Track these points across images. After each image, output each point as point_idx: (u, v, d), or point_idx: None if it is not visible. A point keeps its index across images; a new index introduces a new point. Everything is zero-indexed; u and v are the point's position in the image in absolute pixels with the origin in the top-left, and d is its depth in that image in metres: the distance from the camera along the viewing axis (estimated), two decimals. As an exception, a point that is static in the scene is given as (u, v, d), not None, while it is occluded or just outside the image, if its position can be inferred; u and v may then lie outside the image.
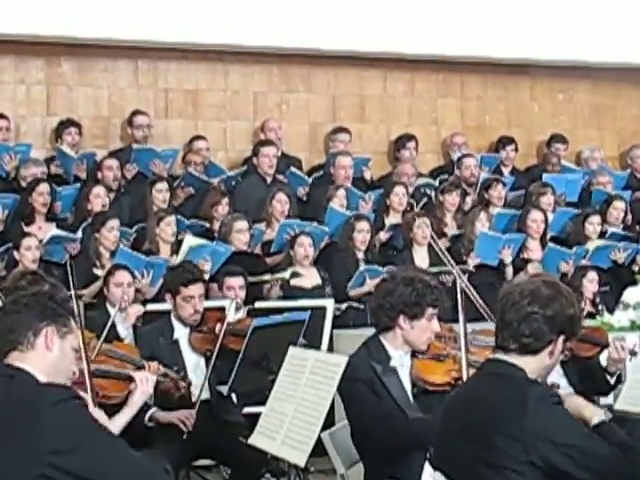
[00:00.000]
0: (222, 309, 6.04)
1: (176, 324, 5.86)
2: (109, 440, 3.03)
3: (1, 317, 3.18)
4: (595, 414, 3.42)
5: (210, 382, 5.67)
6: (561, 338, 3.33)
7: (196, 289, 5.82)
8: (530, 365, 3.31)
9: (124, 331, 6.43)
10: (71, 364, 3.27)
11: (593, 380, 5.71)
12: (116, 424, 4.09)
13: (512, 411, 3.20)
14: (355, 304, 7.95)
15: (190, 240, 7.83)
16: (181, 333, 5.84)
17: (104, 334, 5.50)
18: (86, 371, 4.05)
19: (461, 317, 4.65)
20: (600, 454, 3.21)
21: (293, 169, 9.39)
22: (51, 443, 2.88)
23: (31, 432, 2.90)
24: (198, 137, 9.50)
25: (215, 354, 5.60)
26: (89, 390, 4.05)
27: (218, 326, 5.73)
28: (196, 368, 5.76)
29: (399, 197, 8.97)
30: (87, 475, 2.91)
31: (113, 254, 7.60)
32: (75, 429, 2.94)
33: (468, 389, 3.52)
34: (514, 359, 3.32)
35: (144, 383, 4.34)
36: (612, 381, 5.61)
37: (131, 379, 4.51)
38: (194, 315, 5.81)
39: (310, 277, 7.98)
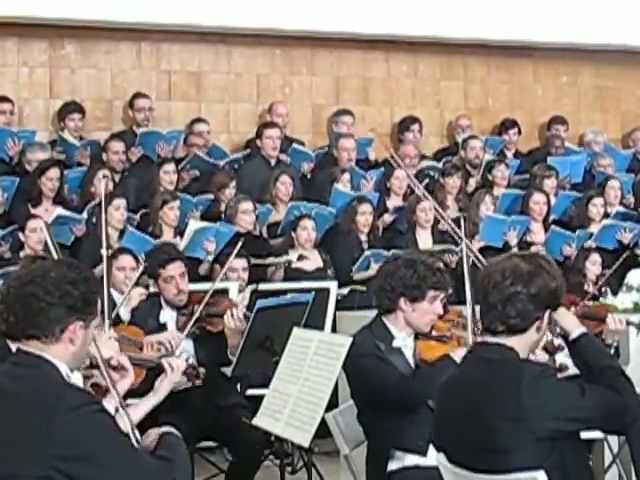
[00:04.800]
0: (226, 291, 6.04)
1: (164, 306, 5.76)
2: (123, 450, 2.93)
3: (29, 297, 3.01)
4: (576, 327, 3.51)
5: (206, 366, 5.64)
6: (547, 312, 3.34)
7: (174, 268, 5.67)
8: (519, 344, 3.32)
9: (125, 314, 6.43)
10: (89, 348, 3.19)
11: None
12: (138, 413, 3.98)
13: (508, 394, 3.20)
14: (358, 287, 7.92)
15: (194, 224, 7.85)
16: (168, 316, 5.74)
17: (109, 319, 5.50)
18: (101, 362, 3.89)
19: (468, 296, 4.64)
20: (598, 405, 3.26)
21: (296, 145, 9.36)
22: (62, 449, 2.82)
23: (44, 432, 2.84)
24: (199, 120, 9.46)
25: (187, 331, 5.47)
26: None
27: (195, 307, 5.60)
28: (183, 351, 5.57)
29: (399, 180, 8.97)
30: None
31: (121, 235, 7.60)
32: (89, 437, 2.86)
33: (462, 374, 3.49)
34: (503, 340, 3.31)
35: (174, 372, 4.14)
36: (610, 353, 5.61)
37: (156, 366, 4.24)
38: (179, 295, 5.68)
39: (312, 259, 7.98)
